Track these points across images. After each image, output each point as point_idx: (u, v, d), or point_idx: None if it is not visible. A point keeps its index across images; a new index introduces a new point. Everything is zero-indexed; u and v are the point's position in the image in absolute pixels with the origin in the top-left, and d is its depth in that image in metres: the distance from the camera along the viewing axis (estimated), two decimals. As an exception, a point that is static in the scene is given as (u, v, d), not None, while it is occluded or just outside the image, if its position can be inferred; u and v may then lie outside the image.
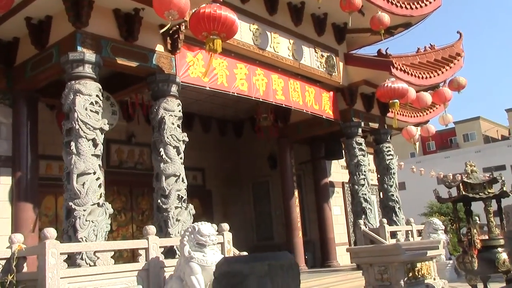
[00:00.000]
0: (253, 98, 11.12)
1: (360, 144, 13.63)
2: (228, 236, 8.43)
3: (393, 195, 14.29)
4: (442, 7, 15.26)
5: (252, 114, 15.35)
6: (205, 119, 17.03)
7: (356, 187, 13.38)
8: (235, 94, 10.65)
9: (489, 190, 8.30)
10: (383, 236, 12.29)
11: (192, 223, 8.30)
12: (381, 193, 14.65)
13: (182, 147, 8.92)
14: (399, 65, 13.32)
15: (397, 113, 17.09)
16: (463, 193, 8.18)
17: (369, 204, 13.35)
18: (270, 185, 17.12)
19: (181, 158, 8.87)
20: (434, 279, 9.55)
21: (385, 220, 12.66)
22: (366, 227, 12.92)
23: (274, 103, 11.70)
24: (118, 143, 14.51)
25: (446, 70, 15.25)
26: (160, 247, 7.37)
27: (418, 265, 9.07)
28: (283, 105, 11.95)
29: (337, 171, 16.52)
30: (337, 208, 16.16)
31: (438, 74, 15.05)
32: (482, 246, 7.99)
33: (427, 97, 14.18)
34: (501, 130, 65.30)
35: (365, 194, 13.32)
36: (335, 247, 15.38)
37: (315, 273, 13.10)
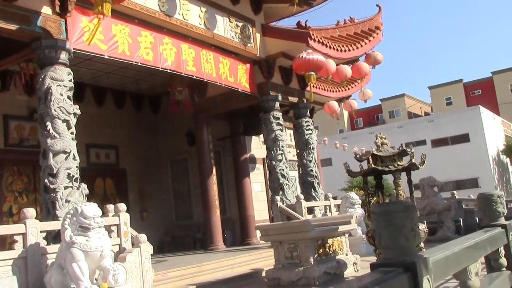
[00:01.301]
0: (160, 69, 10.34)
1: (278, 118, 13.20)
2: (125, 217, 7.72)
3: (312, 170, 14.03)
4: (361, -21, 15.00)
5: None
6: (118, 93, 16.06)
7: (274, 162, 12.97)
8: (139, 63, 9.84)
9: (399, 163, 8.06)
10: (300, 212, 11.99)
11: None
12: (300, 168, 14.34)
13: (73, 120, 8.06)
14: (316, 37, 12.92)
15: (314, 86, 16.90)
16: (372, 166, 7.89)
17: (287, 180, 13.00)
18: (188, 162, 16.46)
19: (72, 133, 8.01)
20: (346, 254, 9.33)
21: (301, 196, 12.36)
22: (283, 203, 12.59)
23: (184, 74, 10.97)
24: (18, 119, 13.32)
25: (365, 43, 15.04)
26: (42, 231, 6.57)
27: (330, 241, 8.79)
28: (194, 77, 11.26)
29: (258, 147, 16.07)
30: (257, 185, 15.77)
31: (357, 48, 14.80)
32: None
33: (347, 70, 13.91)
34: (424, 107, 67.89)
35: (283, 169, 12.95)
36: (255, 224, 14.99)
37: (231, 251, 12.66)
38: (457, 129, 38.01)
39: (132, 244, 7.69)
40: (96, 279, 6.27)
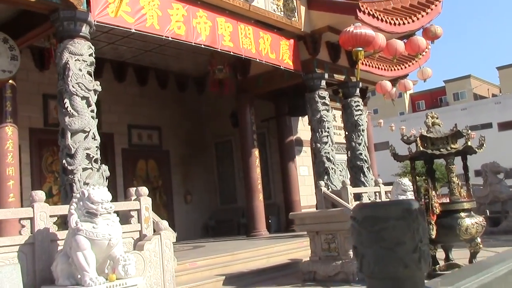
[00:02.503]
0: (193, 44, 9.68)
1: (324, 98, 12.29)
2: (147, 201, 7.16)
3: (361, 153, 13.07)
4: None
5: (212, 67, 13.95)
6: (162, 73, 15.62)
7: (319, 145, 12.11)
8: (169, 38, 9.22)
9: (452, 146, 7.04)
10: (346, 199, 11.10)
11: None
12: (348, 152, 13.39)
13: (93, 97, 7.54)
14: (366, 8, 11.85)
15: (365, 64, 15.87)
16: (421, 149, 6.92)
17: (333, 163, 12.13)
18: (233, 144, 15.86)
19: (92, 111, 7.50)
20: (393, 247, 8.39)
21: (347, 181, 11.47)
22: (328, 188, 11.75)
23: (220, 50, 10.27)
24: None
25: (422, 16, 13.76)
26: (52, 216, 6.12)
27: (373, 232, 7.88)
28: (231, 53, 10.53)
29: (305, 128, 15.16)
30: (304, 169, 14.96)
31: (413, 21, 13.56)
32: (441, 211, 6.78)
33: (398, 44, 12.71)
34: (492, 89, 64.12)
35: (328, 153, 12.07)
36: (301, 210, 14.22)
37: (273, 239, 11.99)
38: (527, 111, 35.40)
39: (154, 231, 7.12)
40: (106, 269, 5.75)
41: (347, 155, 13.53)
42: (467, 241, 6.90)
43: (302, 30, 12.16)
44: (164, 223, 7.01)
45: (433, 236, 6.71)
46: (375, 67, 16.95)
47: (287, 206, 14.40)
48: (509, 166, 34.95)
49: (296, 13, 11.99)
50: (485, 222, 7.00)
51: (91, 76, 7.59)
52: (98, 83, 7.68)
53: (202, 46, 9.89)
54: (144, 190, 7.20)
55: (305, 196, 14.61)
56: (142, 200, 7.11)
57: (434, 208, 6.69)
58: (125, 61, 14.41)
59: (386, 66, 17.46)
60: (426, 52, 18.95)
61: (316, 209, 11.76)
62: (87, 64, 7.49)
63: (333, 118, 16.42)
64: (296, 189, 14.47)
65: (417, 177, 7.91)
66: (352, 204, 11.16)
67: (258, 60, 11.18)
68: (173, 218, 15.31)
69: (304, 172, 14.87)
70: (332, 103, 15.21)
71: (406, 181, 12.08)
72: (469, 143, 6.88)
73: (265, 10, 11.18)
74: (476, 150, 7.03)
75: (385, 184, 13.31)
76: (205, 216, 16.13)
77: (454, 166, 7.04)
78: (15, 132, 8.94)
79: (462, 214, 6.85)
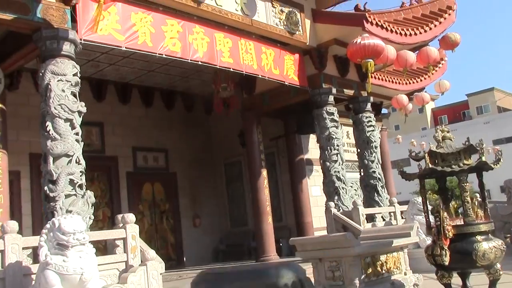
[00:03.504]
0: (189, 61, 9.25)
1: (332, 114, 11.71)
2: (133, 229, 6.64)
3: (374, 172, 12.41)
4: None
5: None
6: (167, 93, 15.27)
7: (328, 164, 11.50)
8: (163, 55, 8.80)
9: (465, 162, 6.38)
10: (357, 220, 10.46)
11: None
12: (361, 170, 12.73)
13: (77, 120, 7.12)
14: (374, 19, 11.31)
15: (378, 78, 15.28)
16: (429, 165, 6.28)
17: (344, 183, 11.48)
18: (242, 165, 15.32)
19: (76, 133, 7.08)
20: (405, 273, 7.71)
21: (359, 201, 10.81)
22: (339, 209, 11.11)
23: (219, 66, 9.81)
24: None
25: (435, 26, 13.17)
26: (25, 248, 5.65)
27: (382, 258, 7.24)
28: (231, 69, 10.06)
29: (316, 147, 14.44)
30: (316, 189, 14.31)
31: (425, 31, 12.98)
32: (455, 235, 6.10)
33: (409, 55, 12.03)
34: (517, 102, 62.56)
35: (338, 171, 11.44)
36: (313, 232, 13.57)
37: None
38: (554, 123, 34.06)
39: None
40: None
41: (360, 174, 12.87)
42: (485, 268, 6.18)
43: (307, 44, 11.66)
44: (151, 253, 6.47)
45: (446, 263, 6.04)
46: (389, 80, 16.34)
47: (298, 228, 13.76)
48: (536, 181, 33.74)
49: (300, 27, 11.51)
50: (505, 246, 6.28)
51: (76, 97, 7.18)
52: (83, 104, 7.26)
53: (200, 63, 9.45)
54: (130, 217, 6.69)
55: (318, 217, 13.94)
56: (128, 228, 6.61)
57: (447, 232, 6.02)
58: (129, 83, 14.10)
59: (401, 79, 16.84)
60: (442, 64, 18.32)
61: (327, 232, 11.09)
62: (71, 84, 7.07)
63: (346, 135, 15.88)
64: (308, 210, 13.83)
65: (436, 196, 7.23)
66: (364, 226, 10.51)
67: (260, 76, 10.69)
68: (181, 243, 14.82)
69: (316, 192, 14.22)
70: (345, 120, 14.67)
71: (420, 200, 11.39)
72: (483, 158, 6.22)
73: (267, 24, 10.73)
74: (492, 166, 6.36)
75: (403, 203, 12.62)
76: (215, 240, 15.56)
77: (467, 184, 6.37)
78: (5, 158, 8.54)
79: (479, 238, 6.16)
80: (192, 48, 9.28)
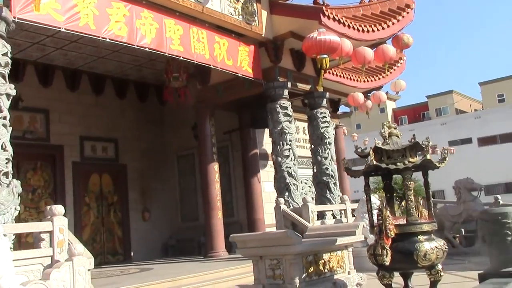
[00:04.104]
0: (136, 47, 8.82)
1: (286, 108, 11.47)
2: (61, 222, 6.18)
3: (327, 168, 12.25)
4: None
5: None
6: (120, 81, 14.73)
7: (280, 159, 11.25)
8: (107, 39, 8.33)
9: (410, 159, 6.19)
10: (306, 217, 10.26)
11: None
12: (314, 166, 12.54)
13: (5, 103, 6.60)
14: (331, 13, 11.11)
15: (337, 74, 15.15)
16: (374, 162, 6.07)
17: (295, 179, 11.26)
18: (196, 158, 14.91)
19: (3, 118, 6.57)
20: (349, 272, 7.51)
21: (309, 198, 10.61)
22: (289, 206, 10.89)
23: (168, 54, 9.42)
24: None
25: (393, 23, 13.09)
26: None
27: (325, 256, 7.00)
28: (181, 58, 9.68)
29: (270, 141, 14.35)
30: (269, 184, 13.98)
31: (383, 28, 12.88)
32: (397, 234, 5.91)
33: (367, 52, 11.89)
34: (474, 105, 64.11)
35: (290, 167, 11.21)
36: (265, 228, 13.31)
37: (230, 260, 11.03)
38: (508, 127, 34.79)
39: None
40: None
41: (313, 170, 12.68)
42: (426, 268, 6.02)
43: (263, 35, 11.38)
44: (79, 247, 6.03)
45: (387, 263, 5.84)
46: (347, 77, 16.25)
47: (250, 224, 13.49)
48: (489, 182, 34.52)
49: (256, 18, 11.21)
50: (446, 247, 6.14)
51: (4, 79, 6.65)
52: (13, 86, 6.74)
53: (147, 49, 9.02)
54: (58, 208, 6.23)
55: (270, 214, 13.58)
56: (55, 220, 6.15)
57: (388, 231, 5.82)
58: (78, 69, 13.51)
59: (360, 77, 16.78)
60: (401, 63, 18.38)
61: (276, 229, 10.85)
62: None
63: (303, 131, 15.66)
64: (260, 206, 13.58)
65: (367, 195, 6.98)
66: (313, 223, 10.31)
67: (212, 66, 10.35)
68: (129, 237, 14.36)
69: (269, 188, 13.93)
70: (301, 115, 14.44)
71: (374, 199, 11.27)
72: (428, 156, 6.04)
73: (221, 13, 10.38)
74: (437, 164, 6.19)
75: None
76: (165, 234, 15.14)
77: (411, 183, 6.18)
78: None
79: (421, 238, 5.99)
80: (140, 33, 8.85)
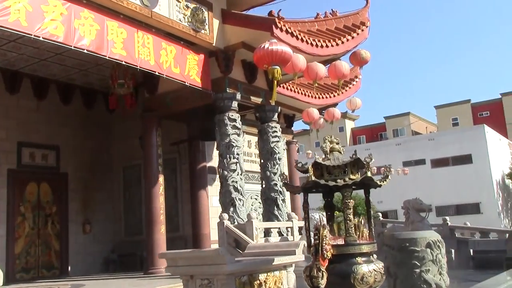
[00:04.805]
0: (73, 48, 8.30)
1: (234, 120, 11.12)
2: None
3: (276, 184, 11.91)
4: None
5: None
6: (64, 86, 14.05)
7: (226, 172, 10.86)
8: (40, 38, 7.80)
9: (351, 176, 5.90)
10: (250, 234, 9.86)
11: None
12: (263, 182, 12.19)
13: None
14: (284, 26, 10.88)
15: (292, 90, 14.96)
16: (312, 178, 5.75)
17: (241, 194, 10.88)
18: (142, 170, 14.30)
19: None
20: (288, 294, 7.13)
21: (253, 215, 10.22)
22: (234, 222, 10.48)
23: (108, 58, 8.93)
24: None
25: (348, 40, 13.00)
26: None
27: (261, 277, 6.58)
28: (123, 62, 9.20)
29: (220, 155, 13.96)
30: (217, 199, 13.50)
31: (338, 44, 12.77)
32: (334, 255, 5.57)
33: (319, 68, 11.66)
34: (430, 127, 65.68)
35: (236, 182, 10.83)
36: (210, 244, 12.83)
37: (170, 278, 10.44)
38: (459, 149, 35.46)
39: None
40: None
41: (261, 186, 12.32)
42: (364, 292, 5.70)
43: (214, 44, 11.03)
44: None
45: (322, 286, 5.48)
46: (302, 93, 16.08)
47: (195, 239, 12.96)
48: (441, 204, 35.02)
49: (207, 26, 10.85)
50: (382, 274, 5.83)
51: None
52: None
53: (85, 51, 8.51)
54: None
55: (216, 229, 13.16)
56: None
57: (325, 252, 5.47)
58: (19, 71, 12.81)
59: (315, 93, 16.64)
60: (356, 81, 18.38)
61: (218, 245, 10.40)
62: None
63: (255, 145, 15.29)
64: (206, 221, 13.08)
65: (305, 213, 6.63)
66: (257, 240, 9.92)
67: (157, 73, 9.91)
68: (67, 250, 13.64)
69: (216, 202, 13.36)
70: (254, 129, 14.10)
71: (318, 216, 10.99)
72: (368, 174, 5.75)
73: (169, 19, 9.98)
74: (379, 183, 5.92)
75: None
76: (107, 248, 14.44)
77: (351, 201, 5.87)
78: None
79: (359, 259, 5.67)
80: (78, 34, 8.35)
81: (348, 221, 5.84)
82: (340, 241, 5.90)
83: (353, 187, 6.05)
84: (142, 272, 12.23)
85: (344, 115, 57.20)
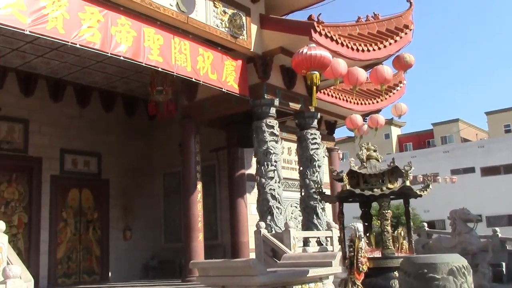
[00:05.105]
0: (109, 54, 8.32)
1: (272, 127, 10.91)
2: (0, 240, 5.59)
3: (315, 192, 11.58)
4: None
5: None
6: (106, 94, 14.22)
7: (263, 180, 10.64)
8: (77, 45, 7.85)
9: (389, 186, 5.59)
10: (287, 244, 9.60)
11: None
12: (302, 190, 11.92)
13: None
14: (323, 30, 10.62)
15: (333, 96, 14.63)
16: (347, 187, 5.48)
17: (279, 202, 10.64)
18: (181, 177, 14.29)
19: None
20: (324, 307, 6.84)
21: (291, 224, 9.96)
22: (271, 231, 10.25)
23: (144, 64, 8.91)
24: (-24, 115, 11.64)
25: (390, 44, 12.59)
26: None
27: (297, 289, 6.36)
28: (159, 69, 9.17)
29: (258, 162, 13.76)
30: (255, 207, 13.37)
31: (380, 48, 12.38)
32: (371, 268, 5.29)
33: (360, 73, 11.29)
34: (480, 134, 63.38)
35: (274, 189, 10.60)
36: (249, 253, 12.64)
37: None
38: (512, 157, 33.98)
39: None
40: None
41: (301, 194, 12.05)
42: (404, 308, 5.36)
43: (252, 50, 10.89)
44: (15, 269, 5.42)
45: (358, 301, 5.20)
46: (344, 99, 15.71)
47: (234, 247, 12.81)
48: (492, 214, 33.58)
49: (244, 31, 10.72)
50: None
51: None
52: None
53: (122, 58, 8.52)
54: (-2, 224, 5.65)
55: (255, 237, 13.03)
56: (-9, 237, 5.56)
57: (360, 265, 5.20)
58: (62, 79, 13.05)
59: (358, 99, 16.25)
60: (401, 87, 17.83)
61: (255, 254, 10.19)
62: None
63: (296, 152, 15.04)
64: (245, 229, 12.91)
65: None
66: (294, 250, 9.66)
67: (194, 79, 9.83)
68: (107, 256, 13.75)
69: (255, 210, 13.25)
70: (293, 136, 13.88)
71: (360, 226, 10.60)
72: (407, 183, 5.43)
73: (206, 25, 9.90)
74: (418, 192, 5.58)
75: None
76: (147, 255, 14.47)
77: (388, 212, 5.57)
78: None
79: (397, 273, 5.35)
80: (114, 40, 8.37)
81: (385, 233, 5.53)
82: (377, 254, 5.59)
83: (391, 196, 5.75)
84: (180, 279, 12.19)
85: (390, 122, 56.01)
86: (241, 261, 6.08)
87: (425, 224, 14.07)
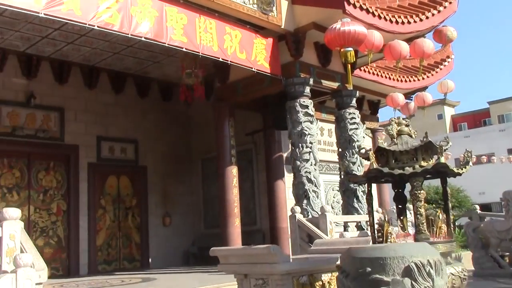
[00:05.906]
0: (130, 36, 8.06)
1: (306, 107, 10.40)
2: (12, 227, 5.41)
3: (345, 173, 11.02)
4: None
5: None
6: (141, 79, 14.05)
7: (298, 163, 10.18)
8: (95, 27, 7.61)
9: (422, 163, 5.02)
10: (324, 229, 9.13)
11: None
12: (341, 172, 11.37)
13: None
14: (357, 1, 9.95)
15: (373, 73, 13.92)
16: (374, 166, 4.95)
17: (315, 185, 10.15)
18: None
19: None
20: (356, 297, 6.34)
21: (328, 207, 9.48)
22: (308, 215, 9.80)
23: (168, 45, 8.59)
24: (12, 104, 11.69)
25: (433, 15, 11.73)
26: None
27: (325, 277, 5.89)
28: (184, 49, 8.82)
29: (297, 144, 13.27)
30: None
31: (421, 20, 11.56)
32: (402, 255, 4.74)
33: (403, 47, 10.53)
34: (542, 112, 60.06)
35: (310, 172, 10.11)
36: (288, 239, 12.23)
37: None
38: None
39: (20, 267, 5.37)
40: None
41: (340, 177, 11.51)
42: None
43: (283, 27, 10.37)
44: (26, 258, 5.21)
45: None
46: (386, 77, 14.93)
47: (272, 233, 12.45)
48: (554, 195, 31.44)
49: (274, 7, 10.20)
50: (466, 274, 4.91)
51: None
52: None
53: (143, 38, 8.24)
54: (10, 212, 5.47)
55: (295, 222, 12.59)
56: (5, 225, 5.39)
57: (389, 251, 4.67)
58: (95, 66, 12.96)
59: (401, 76, 15.42)
60: (448, 62, 16.80)
61: (290, 240, 9.78)
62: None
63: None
64: (283, 214, 12.47)
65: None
66: (331, 235, 9.17)
67: (221, 59, 9.43)
68: (147, 243, 13.66)
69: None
70: (333, 117, 13.30)
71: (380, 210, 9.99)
72: (441, 160, 4.85)
73: (232, 2, 9.45)
74: (456, 170, 4.98)
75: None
76: (187, 241, 14.33)
77: (421, 192, 4.99)
78: None
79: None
80: (135, 21, 8.08)
81: (418, 216, 4.97)
82: (410, 239, 5.05)
83: (427, 176, 5.17)
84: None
85: (443, 102, 53.88)
86: (261, 247, 5.67)
87: (477, 207, 13.15)
